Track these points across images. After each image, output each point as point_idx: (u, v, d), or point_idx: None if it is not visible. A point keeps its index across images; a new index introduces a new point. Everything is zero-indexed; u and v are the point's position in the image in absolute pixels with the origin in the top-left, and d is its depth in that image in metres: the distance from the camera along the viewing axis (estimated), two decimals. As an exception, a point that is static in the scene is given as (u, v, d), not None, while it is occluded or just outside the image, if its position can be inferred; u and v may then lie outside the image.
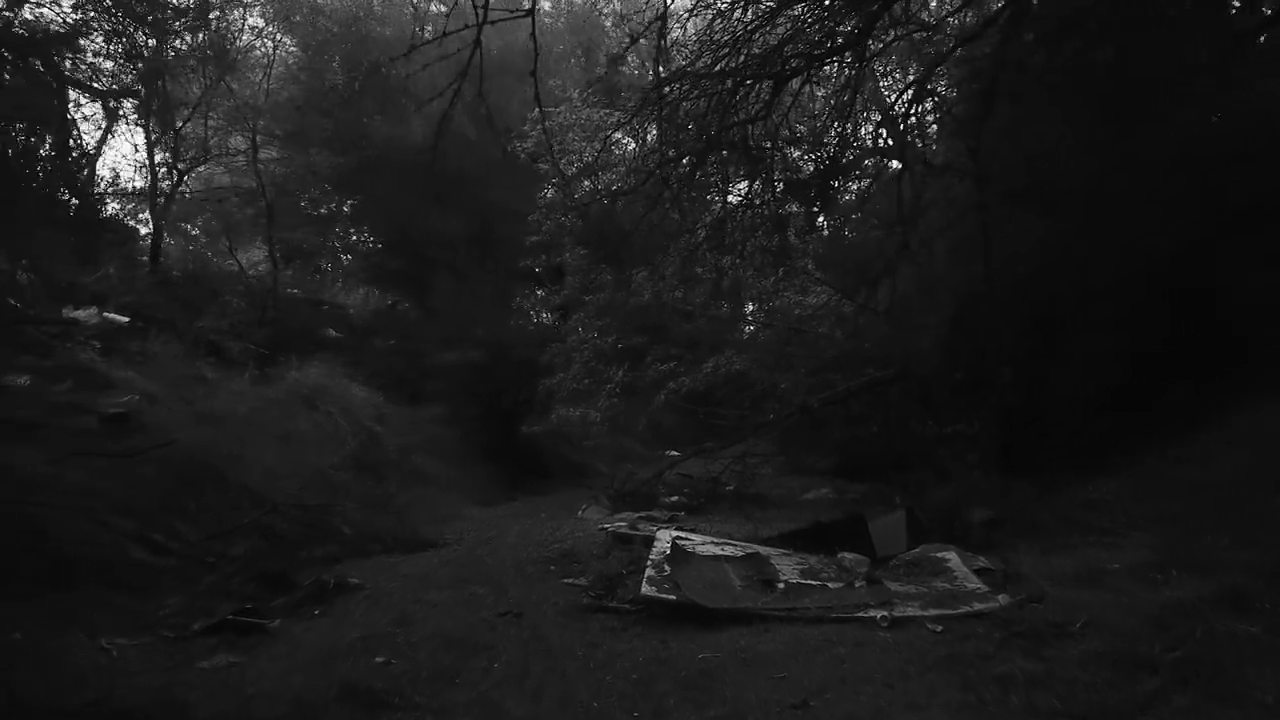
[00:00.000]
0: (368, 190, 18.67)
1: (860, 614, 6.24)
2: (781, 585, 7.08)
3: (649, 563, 7.39)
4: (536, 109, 13.54)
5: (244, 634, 6.07)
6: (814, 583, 7.18)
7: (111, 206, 16.38)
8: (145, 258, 16.25)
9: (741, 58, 8.30)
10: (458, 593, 7.36)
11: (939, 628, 5.87)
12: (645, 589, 6.70)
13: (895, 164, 13.11)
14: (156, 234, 16.46)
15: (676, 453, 15.13)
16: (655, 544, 8.07)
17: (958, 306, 9.80)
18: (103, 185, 15.36)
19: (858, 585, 7.05)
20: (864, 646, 5.59)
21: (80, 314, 12.03)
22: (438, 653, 5.73)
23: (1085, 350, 9.18)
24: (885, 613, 6.16)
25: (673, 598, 6.55)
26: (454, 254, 18.05)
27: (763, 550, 8.17)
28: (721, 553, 8.06)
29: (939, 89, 9.99)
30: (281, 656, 5.65)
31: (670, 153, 8.45)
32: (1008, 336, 9.43)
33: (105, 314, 12.32)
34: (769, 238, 10.75)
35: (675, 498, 12.68)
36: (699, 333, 15.48)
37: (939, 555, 7.66)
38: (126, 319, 12.51)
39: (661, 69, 8.64)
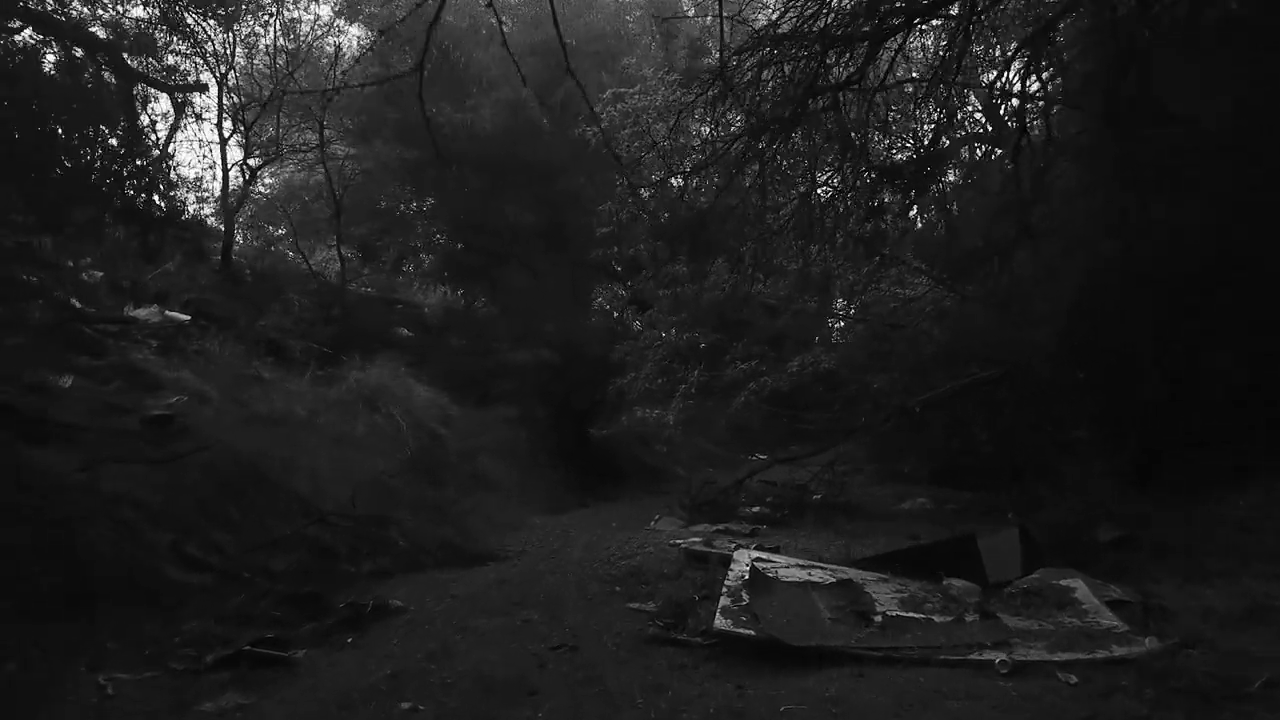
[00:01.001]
0: (439, 183, 18.18)
1: (974, 656, 5.22)
2: (878, 618, 6.08)
3: (724, 589, 6.48)
4: (609, 91, 12.80)
5: (262, 667, 5.35)
6: (917, 615, 6.16)
7: (181, 203, 16.14)
8: (218, 256, 16.00)
9: (830, 18, 7.31)
10: (509, 619, 6.58)
11: (1073, 678, 4.84)
12: (719, 621, 5.78)
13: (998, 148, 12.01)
14: (228, 232, 16.23)
15: (759, 458, 14.23)
16: (732, 566, 7.19)
17: (1080, 294, 8.52)
18: (173, 182, 15.11)
19: (969, 619, 6.03)
20: (981, 700, 4.59)
21: (141, 312, 11.71)
22: (474, 697, 4.91)
23: (1236, 342, 7.90)
24: (1004, 656, 5.12)
25: (750, 633, 5.61)
26: (525, 247, 17.45)
27: (856, 575, 7.16)
28: (808, 578, 7.08)
29: (1060, 50, 8.77)
30: (296, 698, 4.91)
31: (753, 121, 7.44)
32: (1143, 327, 8.14)
33: (167, 312, 11.99)
34: (861, 224, 9.66)
35: (757, 508, 11.81)
36: (784, 329, 14.51)
37: (1063, 583, 6.58)
38: (188, 317, 12.16)
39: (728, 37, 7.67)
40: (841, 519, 11.23)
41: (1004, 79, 9.70)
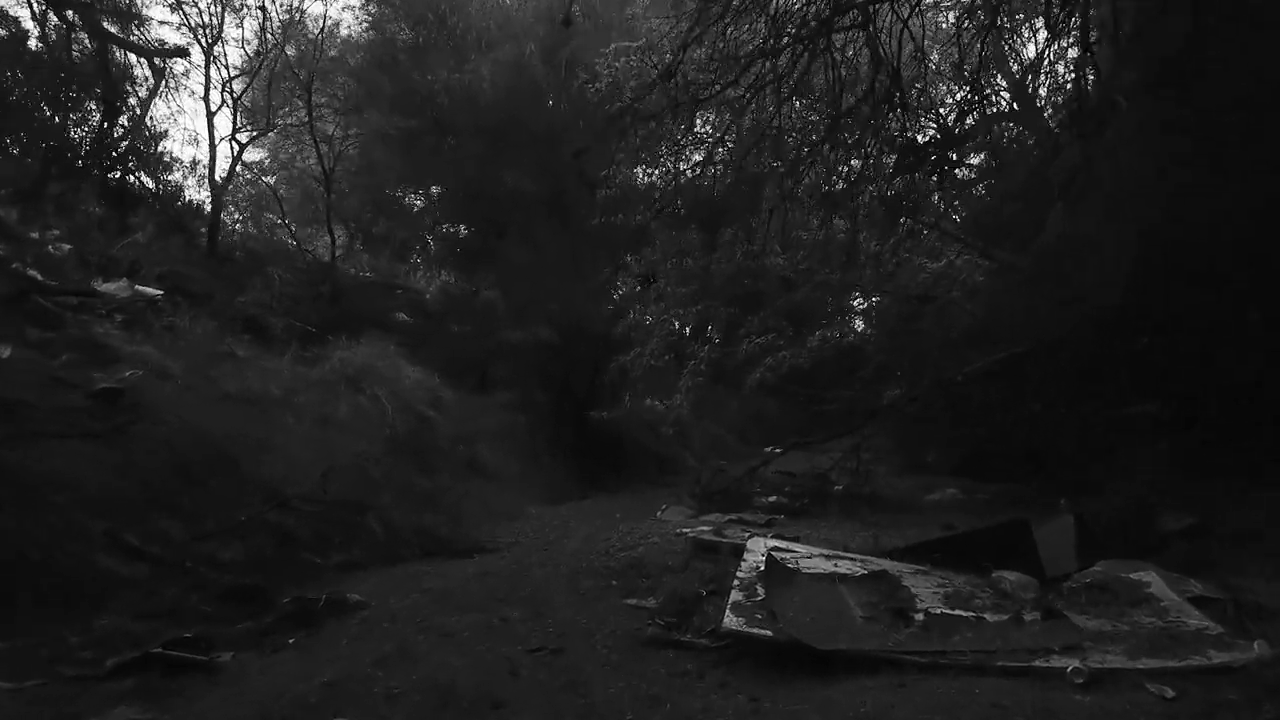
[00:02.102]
0: (436, 150, 17.35)
1: (1039, 663, 4.32)
2: (919, 617, 5.13)
3: (736, 582, 5.60)
4: (612, 46, 11.87)
5: (177, 673, 4.45)
6: (965, 614, 5.20)
7: (176, 187, 15.42)
8: (203, 236, 15.21)
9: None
10: (485, 616, 5.70)
11: (1168, 691, 3.93)
12: (729, 620, 4.89)
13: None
14: (215, 208, 15.43)
15: (774, 449, 13.30)
16: (746, 556, 6.30)
17: (1145, 254, 7.51)
18: (159, 157, 14.36)
19: (1028, 619, 5.06)
20: (1055, 717, 3.68)
21: (110, 286, 10.89)
22: (424, 711, 4.03)
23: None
24: (1077, 663, 4.22)
25: (767, 634, 4.72)
26: (526, 215, 16.63)
27: (891, 567, 6.18)
28: (835, 569, 6.15)
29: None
30: (205, 711, 4.02)
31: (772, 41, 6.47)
32: (1217, 286, 7.13)
33: (137, 286, 11.16)
34: (888, 181, 8.71)
35: (773, 498, 10.95)
36: (803, 302, 13.52)
37: (1134, 577, 5.69)
38: (159, 292, 11.33)
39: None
40: (866, 510, 10.38)
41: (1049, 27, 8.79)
